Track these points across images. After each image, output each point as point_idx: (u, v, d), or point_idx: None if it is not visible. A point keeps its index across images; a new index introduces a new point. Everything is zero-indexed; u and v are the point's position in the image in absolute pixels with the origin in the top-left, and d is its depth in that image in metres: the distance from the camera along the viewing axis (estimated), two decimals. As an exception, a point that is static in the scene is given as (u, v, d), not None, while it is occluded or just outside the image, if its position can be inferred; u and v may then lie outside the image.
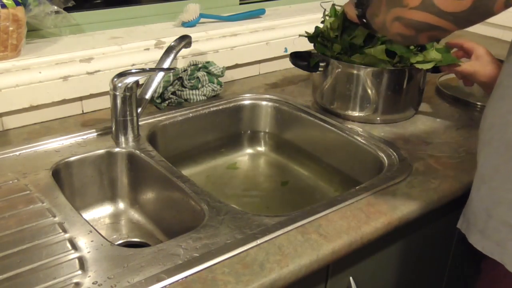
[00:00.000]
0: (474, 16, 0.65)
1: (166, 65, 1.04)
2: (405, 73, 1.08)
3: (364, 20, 0.89)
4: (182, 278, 0.67)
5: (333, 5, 1.12)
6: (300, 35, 1.18)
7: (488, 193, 0.75)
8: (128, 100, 0.97)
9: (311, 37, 1.15)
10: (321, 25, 1.14)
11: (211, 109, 1.18)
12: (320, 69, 1.12)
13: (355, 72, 1.08)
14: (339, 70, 1.10)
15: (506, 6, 0.63)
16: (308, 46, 1.17)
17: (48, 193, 0.84)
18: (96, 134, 1.03)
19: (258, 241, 0.74)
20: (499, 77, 0.76)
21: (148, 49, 1.18)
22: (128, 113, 0.98)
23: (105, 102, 1.12)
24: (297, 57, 1.15)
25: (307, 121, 1.17)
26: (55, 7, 1.10)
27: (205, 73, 1.19)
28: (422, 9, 0.67)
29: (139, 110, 1.01)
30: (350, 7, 0.94)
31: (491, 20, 0.71)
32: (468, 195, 0.81)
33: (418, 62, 1.06)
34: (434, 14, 0.66)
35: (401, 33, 0.73)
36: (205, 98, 1.20)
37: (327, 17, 1.12)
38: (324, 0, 1.14)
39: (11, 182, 0.87)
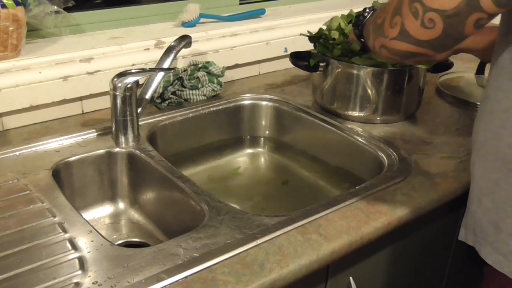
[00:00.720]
0: (448, 41, 0.68)
1: (166, 65, 1.03)
2: (405, 73, 1.08)
3: (362, 40, 0.93)
4: (182, 278, 0.67)
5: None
6: (301, 34, 1.18)
7: (492, 206, 0.74)
8: (128, 100, 0.97)
9: (311, 37, 1.15)
10: (324, 27, 1.14)
11: (211, 109, 1.18)
12: (320, 69, 1.12)
13: (355, 72, 1.08)
14: (339, 70, 1.10)
15: (476, 28, 0.65)
16: (308, 46, 1.17)
17: (48, 193, 0.84)
18: (96, 134, 1.03)
19: (258, 241, 0.74)
20: (486, 90, 0.75)
21: (148, 49, 1.18)
22: (128, 113, 0.98)
23: (105, 102, 1.12)
24: (297, 57, 1.15)
25: (307, 121, 1.17)
26: (55, 7, 1.10)
27: (205, 73, 1.19)
28: (400, 39, 0.70)
29: (139, 110, 1.01)
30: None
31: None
32: (467, 196, 0.81)
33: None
34: (412, 43, 0.69)
35: (390, 58, 0.76)
36: (205, 98, 1.20)
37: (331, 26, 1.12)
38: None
39: (11, 182, 0.87)
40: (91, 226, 0.77)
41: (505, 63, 0.70)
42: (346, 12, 1.17)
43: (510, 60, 0.69)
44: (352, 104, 1.11)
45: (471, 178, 0.79)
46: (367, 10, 0.91)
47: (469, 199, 0.80)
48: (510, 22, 0.69)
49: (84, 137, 1.02)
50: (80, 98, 1.11)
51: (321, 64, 1.12)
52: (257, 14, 1.42)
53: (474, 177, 0.78)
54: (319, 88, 1.16)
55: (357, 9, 1.50)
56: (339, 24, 1.12)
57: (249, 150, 1.26)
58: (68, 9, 1.14)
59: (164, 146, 1.10)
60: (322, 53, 1.12)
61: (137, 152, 0.98)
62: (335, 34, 1.10)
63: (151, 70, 1.05)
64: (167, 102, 1.14)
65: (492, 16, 0.64)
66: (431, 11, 0.65)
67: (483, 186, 0.76)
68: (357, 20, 0.92)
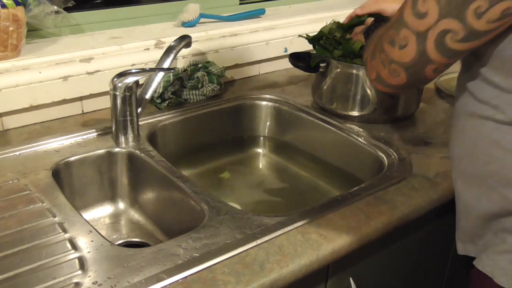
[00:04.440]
0: (415, 84, 0.76)
1: (166, 65, 1.03)
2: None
3: None
4: (182, 278, 0.67)
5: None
6: (299, 36, 1.18)
7: (479, 221, 0.75)
8: (128, 100, 0.97)
9: (311, 39, 1.15)
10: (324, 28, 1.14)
11: (211, 109, 1.18)
12: (320, 69, 1.12)
13: (354, 72, 1.08)
14: (339, 70, 1.10)
15: (437, 73, 0.71)
16: (308, 46, 1.17)
17: (48, 193, 0.84)
18: (96, 134, 1.03)
19: (258, 241, 0.74)
20: (455, 107, 0.77)
21: (148, 49, 1.18)
22: (128, 113, 0.98)
23: (105, 102, 1.12)
24: (296, 58, 1.15)
25: (307, 121, 1.17)
26: (55, 7, 1.10)
27: (205, 73, 1.19)
28: (378, 83, 0.77)
29: (139, 110, 1.01)
30: (361, 36, 1.02)
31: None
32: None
33: None
34: (385, 86, 0.76)
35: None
36: (205, 98, 1.20)
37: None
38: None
39: (11, 182, 0.87)
40: (91, 226, 0.77)
41: (465, 87, 0.73)
42: (346, 12, 1.17)
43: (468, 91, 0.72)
44: (352, 104, 1.11)
45: (455, 194, 0.80)
46: (378, 21, 0.94)
47: (457, 215, 0.81)
48: (468, 60, 0.72)
49: (84, 137, 1.02)
50: (80, 98, 1.11)
51: (321, 64, 1.12)
52: (257, 14, 1.42)
53: (457, 193, 0.79)
54: (318, 89, 1.16)
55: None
56: (340, 23, 1.12)
57: (249, 150, 1.26)
58: (68, 9, 1.14)
59: (164, 146, 1.10)
60: (322, 55, 1.12)
61: (137, 152, 0.98)
62: (337, 32, 1.09)
63: (151, 70, 1.05)
64: (167, 102, 1.14)
65: (448, 64, 0.69)
66: (393, 62, 0.71)
67: (467, 201, 0.76)
68: (368, 29, 0.94)
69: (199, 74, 1.18)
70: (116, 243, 0.87)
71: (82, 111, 1.12)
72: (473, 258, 0.77)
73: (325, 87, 1.14)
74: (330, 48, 1.11)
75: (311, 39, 1.15)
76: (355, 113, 1.12)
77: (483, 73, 0.69)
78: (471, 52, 0.68)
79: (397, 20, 0.69)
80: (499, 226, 0.72)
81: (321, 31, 1.14)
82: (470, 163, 0.74)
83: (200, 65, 1.19)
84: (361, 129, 1.09)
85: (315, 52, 1.15)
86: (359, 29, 1.06)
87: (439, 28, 0.64)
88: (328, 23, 1.14)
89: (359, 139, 1.07)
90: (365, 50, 0.82)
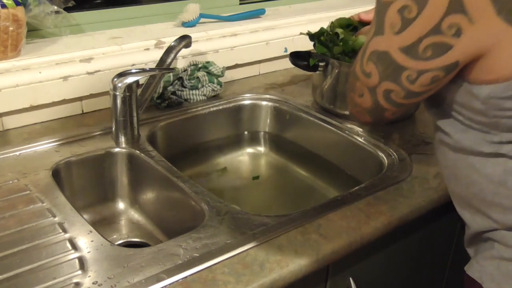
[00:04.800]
0: (382, 123, 0.85)
1: (166, 65, 1.03)
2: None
3: None
4: (182, 278, 0.67)
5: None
6: (301, 33, 1.17)
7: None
8: (128, 100, 0.97)
9: (312, 36, 1.15)
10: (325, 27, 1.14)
11: (211, 109, 1.18)
12: (319, 69, 1.12)
13: (355, 72, 1.08)
14: (339, 69, 1.10)
15: (396, 116, 0.75)
16: (308, 46, 1.17)
17: (48, 193, 0.84)
18: (96, 134, 1.03)
19: (258, 241, 0.74)
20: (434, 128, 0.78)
21: (148, 49, 1.18)
22: (128, 113, 0.98)
23: (105, 102, 1.12)
24: (296, 57, 1.15)
25: (307, 121, 1.17)
26: (55, 7, 1.10)
27: (205, 73, 1.19)
28: (355, 114, 0.80)
29: (139, 110, 1.01)
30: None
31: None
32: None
33: None
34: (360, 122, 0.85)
35: None
36: (205, 98, 1.20)
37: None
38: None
39: (11, 182, 0.87)
40: (91, 226, 0.77)
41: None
42: (346, 12, 1.17)
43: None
44: (352, 104, 1.11)
45: None
46: None
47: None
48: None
49: (84, 137, 1.02)
50: (80, 98, 1.11)
51: (321, 64, 1.11)
52: (257, 14, 1.42)
53: (457, 210, 0.80)
54: (319, 88, 1.16)
55: (357, 9, 1.50)
56: (343, 21, 1.11)
57: (249, 150, 1.26)
58: (68, 9, 1.14)
59: (164, 146, 1.10)
60: (322, 53, 1.12)
61: (137, 152, 0.98)
62: (339, 31, 1.09)
63: (151, 70, 1.05)
64: (167, 102, 1.14)
65: (405, 108, 0.73)
66: (357, 106, 0.76)
67: (465, 219, 0.77)
68: None
69: (199, 74, 1.18)
70: (116, 243, 0.87)
71: (82, 111, 1.12)
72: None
73: (325, 87, 1.14)
74: (330, 45, 1.11)
75: (311, 35, 1.14)
76: (355, 113, 1.12)
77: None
78: None
79: (352, 71, 0.74)
80: (488, 236, 0.73)
81: (322, 28, 1.13)
82: (456, 185, 0.76)
83: (200, 65, 1.19)
84: (361, 129, 1.09)
85: (315, 51, 1.14)
86: (366, 29, 1.06)
87: (382, 88, 0.69)
88: (329, 23, 1.14)
89: (359, 139, 1.07)
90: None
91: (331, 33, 1.10)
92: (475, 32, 0.59)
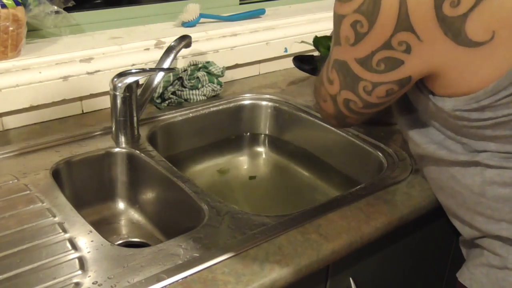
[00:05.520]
0: (349, 126, 0.90)
1: (166, 65, 1.03)
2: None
3: None
4: (182, 278, 0.67)
5: None
6: (302, 41, 1.17)
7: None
8: (128, 100, 0.97)
9: (315, 40, 1.14)
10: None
11: (211, 109, 1.18)
12: None
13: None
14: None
15: (361, 121, 0.78)
16: (308, 46, 1.17)
17: (48, 193, 0.84)
18: (96, 134, 1.03)
19: (258, 241, 0.74)
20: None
21: (148, 49, 1.18)
22: (128, 113, 0.98)
23: (105, 102, 1.12)
24: (300, 61, 1.14)
25: (307, 121, 1.17)
26: (55, 7, 1.10)
27: (205, 73, 1.19)
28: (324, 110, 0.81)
29: (139, 110, 1.01)
30: None
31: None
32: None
33: None
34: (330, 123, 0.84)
35: None
36: (205, 98, 1.20)
37: None
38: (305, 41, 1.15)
39: (11, 182, 0.87)
40: (91, 226, 0.77)
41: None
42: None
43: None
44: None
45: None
46: None
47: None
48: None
49: (84, 137, 1.02)
50: (80, 98, 1.11)
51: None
52: (257, 14, 1.42)
53: (450, 219, 0.82)
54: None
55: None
56: None
57: (249, 150, 1.26)
58: (68, 9, 1.14)
59: (164, 146, 1.10)
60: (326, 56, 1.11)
61: (137, 152, 0.98)
62: None
63: (151, 70, 1.05)
64: (167, 102, 1.14)
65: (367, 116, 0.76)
66: (323, 111, 0.79)
67: (456, 227, 0.80)
68: None
69: (199, 74, 1.18)
70: (116, 243, 0.87)
71: (82, 111, 1.12)
72: None
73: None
74: None
75: (315, 40, 1.14)
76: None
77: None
78: None
79: (319, 76, 0.76)
80: (478, 243, 0.74)
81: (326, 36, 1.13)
82: (441, 195, 0.78)
83: (200, 65, 1.19)
84: (361, 129, 1.09)
85: (318, 54, 1.14)
86: None
87: (342, 96, 0.71)
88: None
89: (359, 139, 1.07)
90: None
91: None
92: (425, 49, 0.60)
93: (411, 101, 0.74)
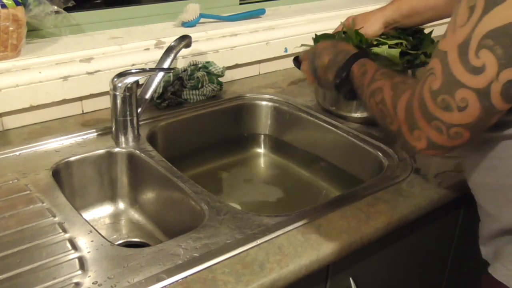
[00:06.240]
0: (477, 138, 0.68)
1: (166, 65, 1.03)
2: (407, 74, 1.07)
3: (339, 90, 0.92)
4: (182, 278, 0.67)
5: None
6: (302, 45, 1.17)
7: (500, 229, 0.74)
8: (128, 100, 0.97)
9: (317, 38, 1.14)
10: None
11: (211, 109, 1.18)
12: None
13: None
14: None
15: (498, 117, 0.65)
16: (308, 46, 1.17)
17: (48, 193, 0.84)
18: (96, 134, 1.03)
19: (258, 241, 0.74)
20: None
21: (148, 49, 1.18)
22: (128, 113, 0.98)
23: (105, 102, 1.12)
24: (301, 61, 1.14)
25: (307, 121, 1.17)
26: (55, 7, 1.10)
27: (205, 73, 1.19)
28: (433, 149, 0.68)
29: (139, 110, 1.01)
30: (329, 72, 0.93)
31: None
32: (468, 197, 0.81)
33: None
34: (445, 150, 0.68)
35: None
36: (205, 98, 1.20)
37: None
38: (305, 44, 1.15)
39: (11, 182, 0.87)
40: (91, 226, 0.77)
41: None
42: (346, 12, 1.17)
43: None
44: (356, 106, 1.10)
45: (477, 203, 0.78)
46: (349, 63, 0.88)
47: (480, 222, 0.79)
48: None
49: (84, 137, 1.02)
50: (80, 98, 1.11)
51: None
52: (257, 14, 1.42)
53: (478, 203, 0.77)
54: (321, 89, 1.16)
55: (357, 9, 1.50)
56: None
57: (249, 150, 1.26)
58: (68, 9, 1.14)
59: (164, 146, 1.10)
60: None
61: (137, 152, 0.98)
62: (352, 36, 1.08)
63: (151, 70, 1.05)
64: (167, 102, 1.14)
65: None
66: (454, 126, 0.64)
67: (488, 211, 0.75)
68: (340, 72, 0.89)
69: (199, 74, 1.18)
70: (116, 243, 0.87)
71: (82, 111, 1.12)
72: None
73: (326, 88, 1.14)
74: None
75: (315, 39, 1.14)
76: (357, 115, 1.11)
77: None
78: None
79: (444, 81, 0.63)
80: None
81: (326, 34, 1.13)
82: (489, 174, 0.72)
83: (200, 65, 1.19)
84: (361, 130, 1.09)
85: None
86: (305, 55, 1.02)
87: (503, 80, 0.59)
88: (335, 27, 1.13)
89: (359, 140, 1.07)
90: (378, 117, 0.78)
91: (343, 35, 1.10)
92: None
93: None
